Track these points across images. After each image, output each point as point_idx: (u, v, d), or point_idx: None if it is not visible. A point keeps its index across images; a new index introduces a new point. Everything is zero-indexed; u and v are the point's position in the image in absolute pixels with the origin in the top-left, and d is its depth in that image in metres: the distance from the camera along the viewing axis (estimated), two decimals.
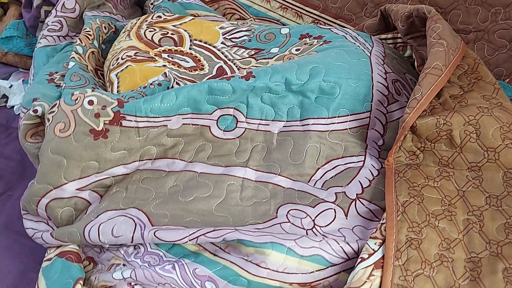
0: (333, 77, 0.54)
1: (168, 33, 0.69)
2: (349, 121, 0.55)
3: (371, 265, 0.42)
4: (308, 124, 0.54)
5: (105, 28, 0.79)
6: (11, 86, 0.90)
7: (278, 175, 0.52)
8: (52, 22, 0.86)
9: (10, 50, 0.94)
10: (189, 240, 0.46)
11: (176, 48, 0.68)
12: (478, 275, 0.42)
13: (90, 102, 0.51)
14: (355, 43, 0.62)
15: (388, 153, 0.51)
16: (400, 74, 0.61)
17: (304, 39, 0.65)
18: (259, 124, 0.55)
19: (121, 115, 0.51)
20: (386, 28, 0.74)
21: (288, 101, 0.55)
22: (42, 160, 0.52)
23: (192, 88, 0.53)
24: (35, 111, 0.56)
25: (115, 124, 0.51)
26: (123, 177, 0.53)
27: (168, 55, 0.66)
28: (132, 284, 0.48)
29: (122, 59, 0.63)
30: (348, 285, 0.41)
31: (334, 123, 0.54)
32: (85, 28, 0.75)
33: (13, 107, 0.87)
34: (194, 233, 0.46)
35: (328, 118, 0.54)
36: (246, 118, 0.55)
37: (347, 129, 0.54)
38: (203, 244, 0.48)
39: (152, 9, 0.85)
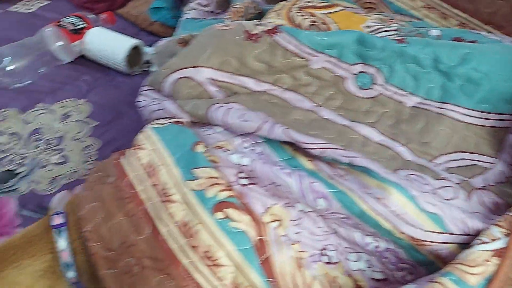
0: (485, 67, 0.58)
1: (317, 22, 0.78)
2: (490, 119, 0.58)
3: (490, 250, 0.45)
4: (445, 109, 0.59)
5: (252, 9, 0.94)
6: (155, 53, 1.10)
7: (403, 146, 0.56)
8: None
9: (158, 20, 1.14)
10: (317, 148, 0.51)
11: None
12: None
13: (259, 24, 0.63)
14: None
15: None
16: None
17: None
18: (395, 92, 0.61)
19: (277, 30, 0.61)
20: None
21: (431, 78, 0.60)
22: (192, 42, 0.62)
23: (344, 32, 0.62)
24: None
25: (268, 34, 0.61)
26: (252, 93, 0.61)
27: None
28: (241, 175, 0.53)
29: None
30: (461, 261, 0.44)
31: (473, 116, 0.58)
32: (235, 4, 0.90)
33: None
34: (324, 143, 0.51)
35: (468, 109, 0.58)
36: (385, 82, 0.61)
37: (486, 126, 0.58)
38: (321, 166, 0.52)
39: None
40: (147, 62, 1.08)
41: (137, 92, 0.99)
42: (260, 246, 0.48)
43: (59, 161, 0.84)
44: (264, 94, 0.61)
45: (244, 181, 0.53)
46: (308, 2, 0.84)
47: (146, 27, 1.19)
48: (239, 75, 0.61)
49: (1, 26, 1.19)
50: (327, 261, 0.52)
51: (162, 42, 0.83)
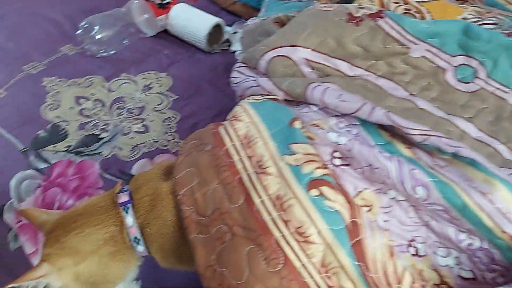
0: None
1: (411, 10, 0.75)
2: None
3: None
4: None
5: None
6: (234, 33, 1.11)
7: (502, 144, 0.53)
8: None
9: (240, 0, 1.15)
10: (420, 135, 0.50)
11: None
12: None
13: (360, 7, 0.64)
14: None
15: None
16: None
17: None
18: (497, 88, 0.58)
19: (382, 14, 0.60)
20: None
21: None
22: (292, 21, 0.63)
23: (450, 21, 0.60)
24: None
25: (371, 18, 0.60)
26: (345, 76, 0.60)
27: None
28: (335, 155, 0.52)
29: None
30: None
31: None
32: None
33: (234, 52, 1.07)
34: (428, 130, 0.50)
35: None
36: (488, 77, 0.58)
37: None
38: (420, 154, 0.51)
39: None
40: (226, 41, 1.09)
41: (216, 70, 1.02)
42: (353, 229, 0.47)
43: (140, 130, 0.87)
44: (357, 78, 0.61)
45: (337, 162, 0.53)
46: None
47: (227, 7, 1.20)
48: (334, 57, 0.61)
49: None
50: (414, 253, 0.51)
51: (253, 21, 0.83)
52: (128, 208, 0.54)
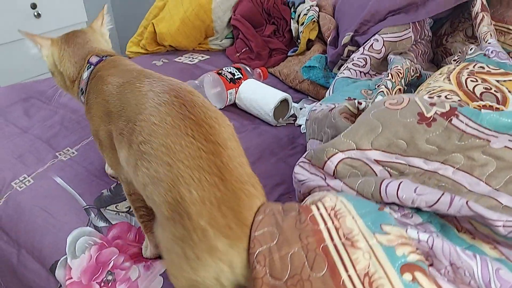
0: None
1: (491, 89, 0.69)
2: None
3: None
4: None
5: (413, 71, 0.89)
6: (301, 108, 1.09)
7: None
8: (358, 58, 1.01)
9: (309, 78, 1.15)
10: (505, 226, 0.44)
11: (498, 106, 0.67)
12: None
13: (431, 97, 0.58)
14: None
15: None
16: None
17: None
18: None
19: (456, 112, 0.55)
20: None
21: None
22: (359, 120, 0.59)
23: None
24: (360, 103, 0.66)
25: (445, 117, 0.55)
26: (418, 171, 0.55)
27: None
28: (419, 254, 0.47)
29: (446, 97, 0.67)
30: None
31: None
32: (396, 66, 0.86)
33: (300, 126, 1.05)
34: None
35: None
36: None
37: None
38: (507, 253, 0.45)
39: (462, 61, 0.91)
40: (292, 115, 1.08)
41: (280, 141, 0.98)
42: None
43: None
44: (433, 175, 0.56)
45: (420, 262, 0.47)
46: (481, 67, 0.77)
47: (295, 85, 1.20)
48: (406, 156, 0.57)
49: (168, 73, 1.27)
50: None
51: (320, 108, 0.80)
52: None
